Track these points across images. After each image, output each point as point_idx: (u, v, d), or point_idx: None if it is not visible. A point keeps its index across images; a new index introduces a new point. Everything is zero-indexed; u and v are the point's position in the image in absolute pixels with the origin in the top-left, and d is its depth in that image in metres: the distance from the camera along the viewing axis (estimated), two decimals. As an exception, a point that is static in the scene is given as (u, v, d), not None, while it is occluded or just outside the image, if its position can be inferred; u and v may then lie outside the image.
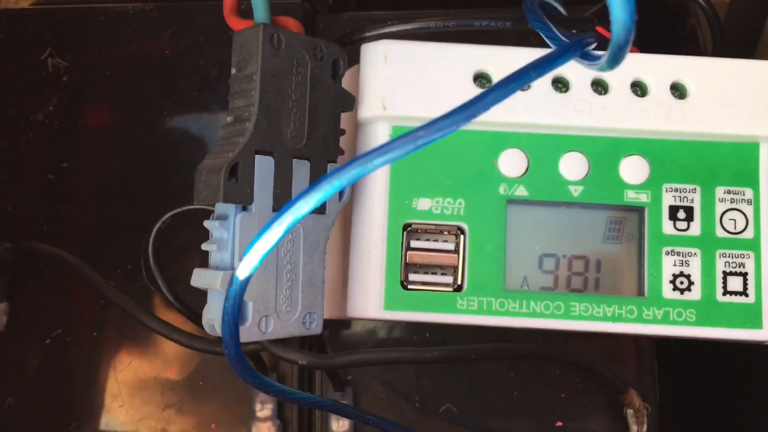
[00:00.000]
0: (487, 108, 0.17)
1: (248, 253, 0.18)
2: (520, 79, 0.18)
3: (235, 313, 0.20)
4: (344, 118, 0.29)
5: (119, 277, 0.37)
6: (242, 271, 0.19)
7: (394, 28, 0.29)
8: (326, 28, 0.38)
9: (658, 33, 0.39)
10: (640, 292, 0.29)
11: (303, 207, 0.17)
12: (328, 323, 0.30)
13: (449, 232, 0.29)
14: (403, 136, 0.17)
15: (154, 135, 0.38)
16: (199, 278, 0.25)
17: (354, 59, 0.30)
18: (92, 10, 0.39)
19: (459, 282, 0.29)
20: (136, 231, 0.37)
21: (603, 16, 0.32)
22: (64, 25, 0.39)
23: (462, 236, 0.29)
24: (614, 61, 0.18)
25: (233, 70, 0.26)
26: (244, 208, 0.25)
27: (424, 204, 0.29)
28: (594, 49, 0.21)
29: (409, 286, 0.29)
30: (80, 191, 0.38)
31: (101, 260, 0.37)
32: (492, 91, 0.17)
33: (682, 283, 0.29)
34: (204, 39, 0.38)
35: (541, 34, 0.26)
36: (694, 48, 0.37)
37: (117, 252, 0.37)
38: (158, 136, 0.38)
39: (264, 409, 0.35)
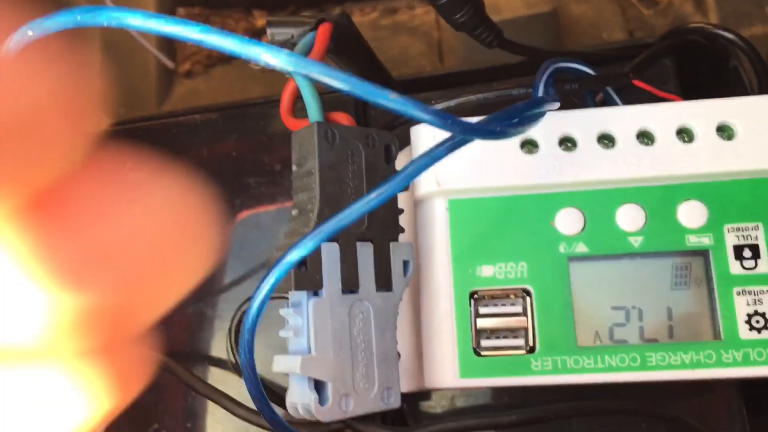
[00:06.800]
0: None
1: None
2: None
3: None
4: (402, 197, 0.30)
5: (206, 368, 0.39)
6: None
7: (437, 106, 0.30)
8: (378, 115, 0.40)
9: (703, 78, 0.39)
10: (716, 336, 0.29)
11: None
12: (407, 396, 0.30)
13: (516, 295, 0.30)
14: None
15: (228, 230, 0.40)
16: (280, 365, 0.26)
17: (406, 140, 0.31)
18: (165, 124, 0.43)
19: (531, 343, 0.29)
20: (221, 322, 0.39)
21: (640, 71, 0.33)
22: (141, 141, 0.43)
23: (528, 298, 0.30)
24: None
25: (294, 167, 0.28)
26: (316, 293, 0.27)
27: (487, 271, 0.30)
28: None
29: (482, 353, 0.29)
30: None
31: (190, 352, 0.39)
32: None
33: (758, 322, 0.29)
34: (266, 138, 0.41)
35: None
36: (740, 88, 0.37)
37: (204, 344, 0.39)
38: (232, 231, 0.40)
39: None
